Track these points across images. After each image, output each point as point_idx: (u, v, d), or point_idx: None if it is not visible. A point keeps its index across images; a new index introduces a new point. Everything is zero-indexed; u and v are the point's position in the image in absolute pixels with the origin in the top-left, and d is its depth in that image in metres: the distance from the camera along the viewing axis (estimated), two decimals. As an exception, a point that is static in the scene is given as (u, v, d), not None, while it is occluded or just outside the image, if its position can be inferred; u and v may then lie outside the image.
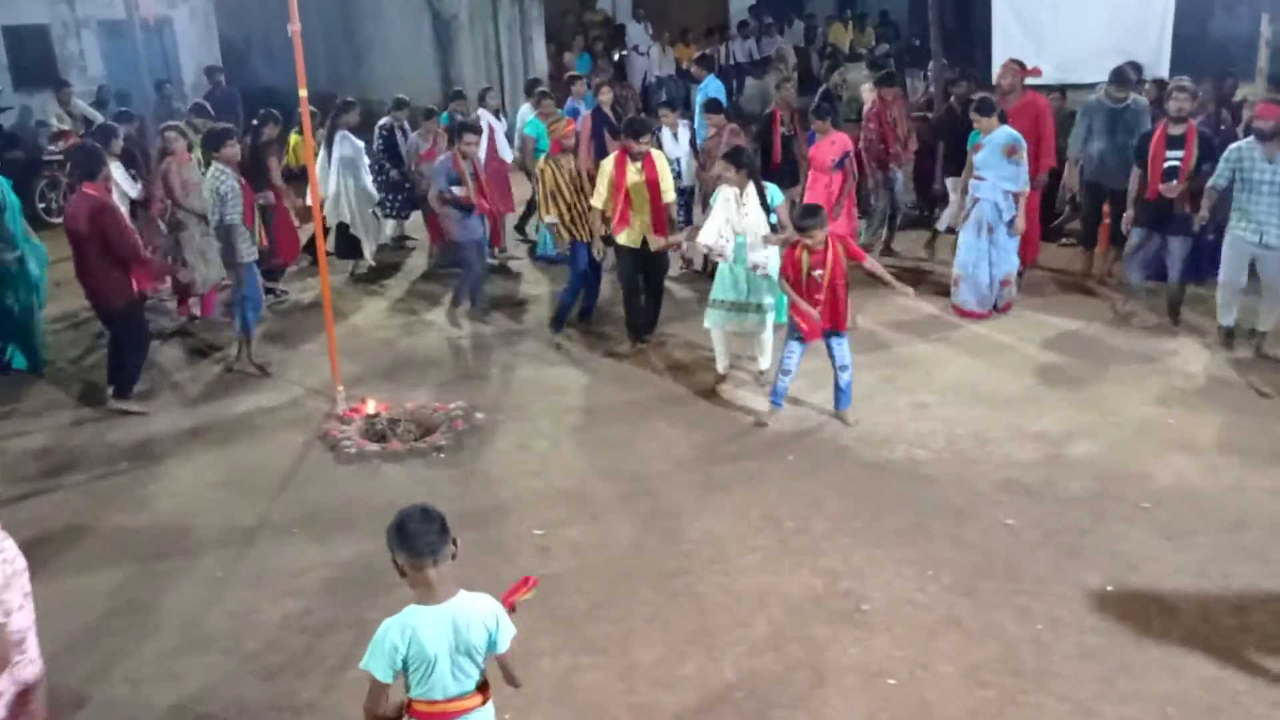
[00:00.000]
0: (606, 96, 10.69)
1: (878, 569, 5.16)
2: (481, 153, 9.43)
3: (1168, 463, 6.07)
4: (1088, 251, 9.41)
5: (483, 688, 3.20)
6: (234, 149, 7.77)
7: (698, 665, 4.52)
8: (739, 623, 4.79)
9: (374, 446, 6.61)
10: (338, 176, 10.04)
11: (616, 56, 18.37)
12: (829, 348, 6.68)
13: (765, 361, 7.40)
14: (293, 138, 10.37)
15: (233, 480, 6.33)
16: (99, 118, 11.73)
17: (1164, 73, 10.31)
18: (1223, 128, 9.06)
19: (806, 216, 6.48)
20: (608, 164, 7.89)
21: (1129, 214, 8.12)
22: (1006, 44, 10.75)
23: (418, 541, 2.98)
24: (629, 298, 8.15)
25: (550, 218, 8.34)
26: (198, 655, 4.67)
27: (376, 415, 6.92)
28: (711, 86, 11.39)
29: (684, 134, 10.20)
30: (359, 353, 8.28)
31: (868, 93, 10.78)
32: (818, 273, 6.42)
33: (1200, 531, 5.36)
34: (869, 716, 4.19)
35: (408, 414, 6.97)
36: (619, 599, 5.02)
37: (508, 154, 10.98)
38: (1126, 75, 8.76)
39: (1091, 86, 9.41)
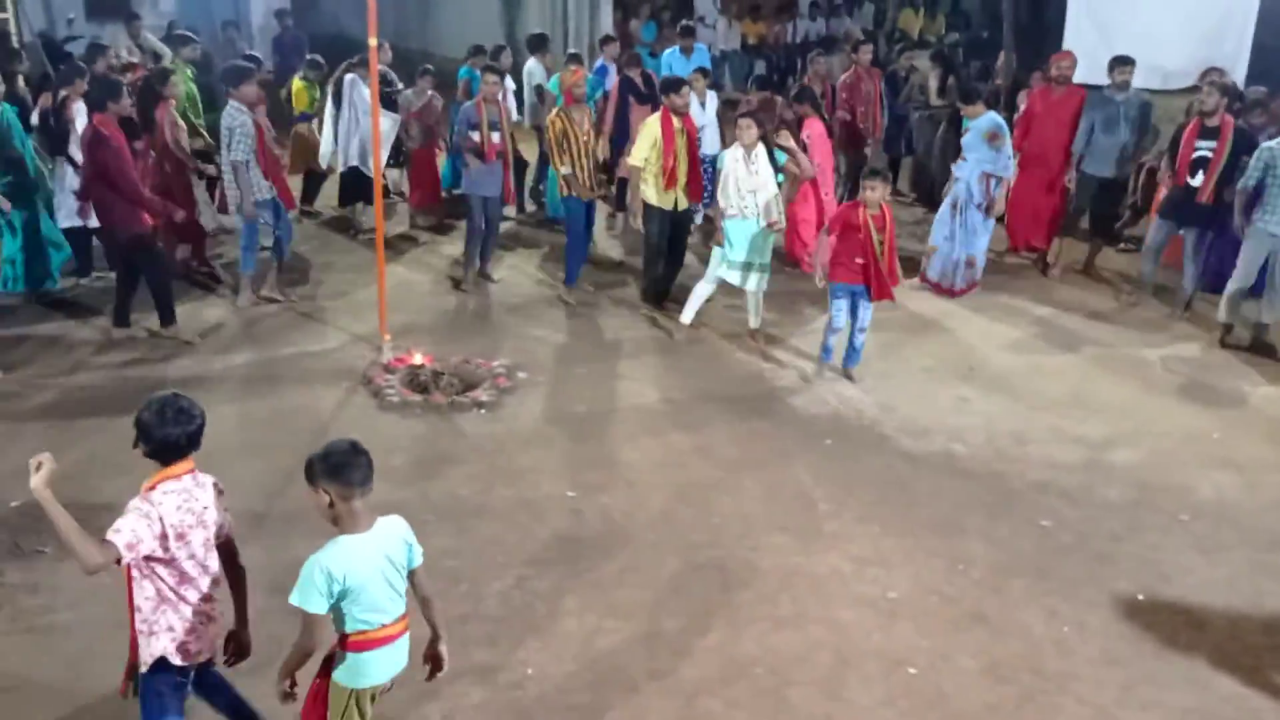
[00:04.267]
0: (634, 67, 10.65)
1: (907, 558, 5.17)
2: None
3: (1208, 476, 6.00)
4: (1093, 243, 9.39)
5: (402, 616, 3.30)
6: (252, 88, 7.78)
7: (719, 638, 4.56)
8: (763, 599, 4.83)
9: (416, 397, 6.68)
10: (348, 123, 9.85)
11: (681, 26, 18.24)
12: (855, 306, 6.92)
13: (755, 320, 7.57)
14: (295, 83, 10.49)
15: (276, 421, 6.42)
16: (167, 52, 11.84)
17: (1240, 81, 10.08)
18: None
19: (873, 172, 6.79)
20: (653, 122, 7.91)
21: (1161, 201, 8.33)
22: (1078, 41, 10.55)
23: (353, 473, 3.07)
24: (651, 261, 8.25)
25: (565, 168, 8.23)
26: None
27: (421, 367, 7.00)
28: (698, 58, 11.22)
29: (712, 103, 10.03)
30: (407, 304, 8.34)
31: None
32: (877, 237, 6.64)
33: (1235, 547, 5.31)
34: (886, 702, 4.21)
35: (452, 368, 7.04)
36: (646, 566, 5.07)
37: (515, 114, 10.66)
38: (1122, 61, 8.82)
39: (1168, 93, 9.29)
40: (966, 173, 8.55)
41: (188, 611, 3.25)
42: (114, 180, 6.97)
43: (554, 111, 8.48)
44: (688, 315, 7.73)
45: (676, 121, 7.83)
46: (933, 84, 11.02)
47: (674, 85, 7.96)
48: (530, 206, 11.07)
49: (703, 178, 8.10)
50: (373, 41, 6.77)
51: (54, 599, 4.62)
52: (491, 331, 7.96)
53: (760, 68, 10.28)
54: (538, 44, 11.09)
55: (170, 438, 3.15)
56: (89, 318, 7.89)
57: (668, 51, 11.85)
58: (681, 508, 5.59)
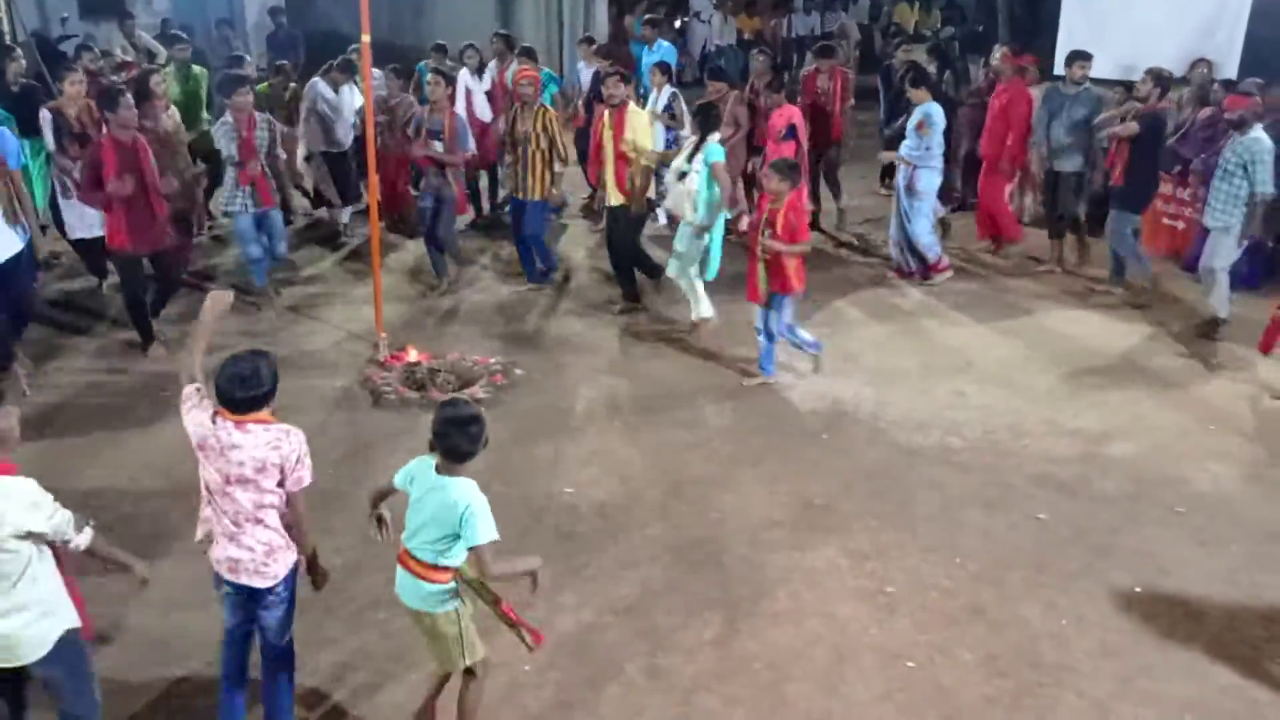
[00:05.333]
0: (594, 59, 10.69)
1: (904, 553, 5.16)
2: (461, 111, 9.38)
3: (1205, 468, 6.00)
4: (1054, 240, 9.39)
5: None
6: (246, 97, 7.76)
7: (717, 633, 4.56)
8: (761, 594, 4.82)
9: (413, 394, 6.67)
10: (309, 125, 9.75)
11: (679, 23, 18.25)
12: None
13: (693, 312, 7.64)
14: (261, 87, 10.15)
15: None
16: (162, 51, 11.82)
17: (1233, 73, 10.09)
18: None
19: (778, 168, 6.65)
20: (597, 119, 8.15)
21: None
22: (1071, 35, 10.59)
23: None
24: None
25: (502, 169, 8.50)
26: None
27: (417, 364, 6.99)
28: (660, 50, 11.06)
29: (664, 96, 9.62)
30: (401, 301, 8.35)
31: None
32: (765, 233, 6.54)
33: (1233, 540, 5.31)
34: (885, 697, 4.21)
35: (448, 365, 7.04)
36: (643, 562, 5.06)
37: (486, 114, 10.30)
38: (1081, 56, 8.86)
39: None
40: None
41: None
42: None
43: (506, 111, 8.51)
44: (705, 309, 7.64)
45: (607, 116, 7.85)
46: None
47: (600, 80, 8.20)
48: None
49: (625, 172, 7.82)
50: (365, 38, 6.75)
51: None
52: (485, 329, 7.95)
53: (763, 62, 10.08)
54: (504, 45, 10.82)
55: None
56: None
57: (632, 44, 11.84)
58: (678, 504, 5.59)
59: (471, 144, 8.89)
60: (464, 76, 10.26)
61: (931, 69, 11.06)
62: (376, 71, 9.57)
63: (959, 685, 4.27)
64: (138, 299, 7.23)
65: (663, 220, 9.81)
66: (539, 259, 8.70)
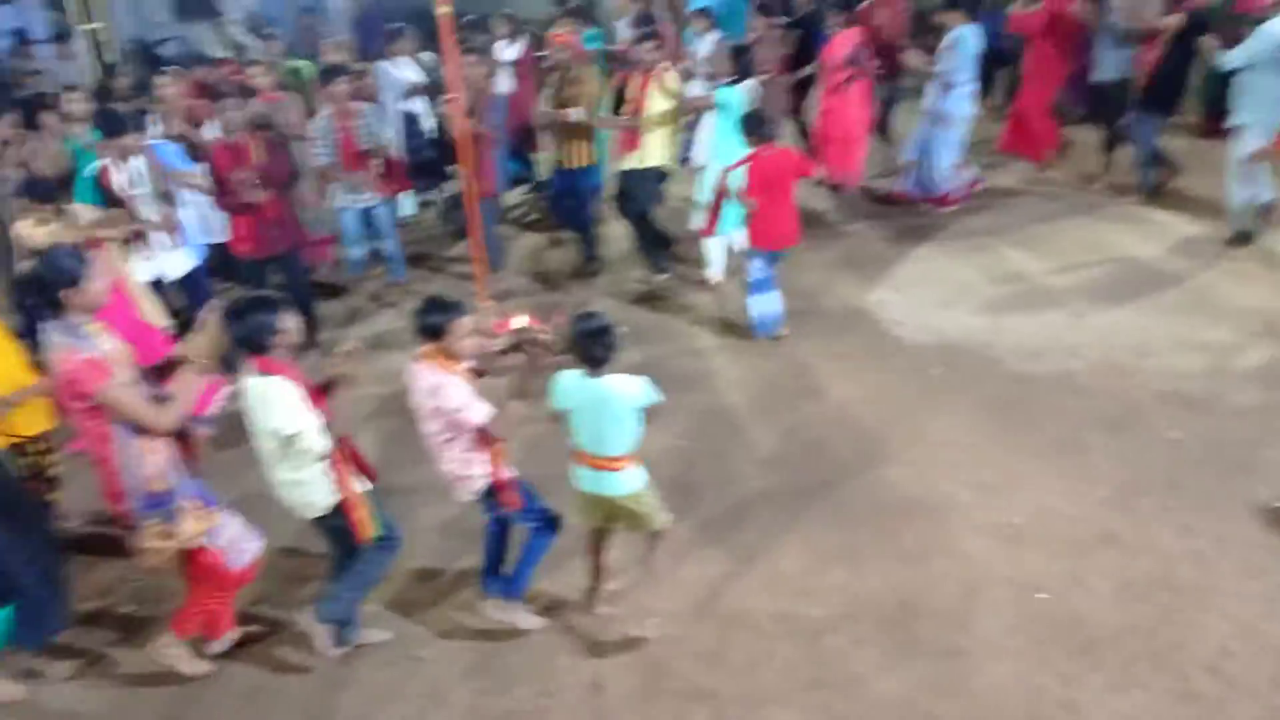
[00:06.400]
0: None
1: (1029, 483, 5.04)
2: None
3: (1349, 374, 5.70)
4: (1106, 154, 8.98)
5: None
6: (342, 87, 7.57)
7: (842, 576, 4.54)
8: (884, 534, 4.77)
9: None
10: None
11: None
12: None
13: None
14: (304, 66, 9.96)
15: (385, 391, 6.55)
16: (252, 45, 12.09)
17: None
18: None
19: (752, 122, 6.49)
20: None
21: None
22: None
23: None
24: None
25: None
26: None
27: (525, 329, 7.03)
28: None
29: (709, 44, 9.12)
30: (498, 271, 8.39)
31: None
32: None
33: (1384, 446, 5.04)
34: (1018, 629, 4.14)
35: (554, 327, 7.06)
36: (762, 508, 5.06)
37: (505, 85, 9.49)
38: None
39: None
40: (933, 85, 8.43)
41: None
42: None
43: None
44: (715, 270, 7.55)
45: (634, 79, 7.49)
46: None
47: (638, 40, 7.73)
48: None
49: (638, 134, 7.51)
50: (445, 9, 6.74)
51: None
52: (585, 289, 7.98)
53: None
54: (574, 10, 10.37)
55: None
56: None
57: None
58: (792, 448, 5.56)
59: (497, 120, 8.28)
60: (499, 48, 9.81)
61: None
62: (427, 55, 9.43)
63: (1095, 614, 4.18)
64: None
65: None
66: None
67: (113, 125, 6.59)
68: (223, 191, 6.89)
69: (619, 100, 7.60)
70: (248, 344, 3.76)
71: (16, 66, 12.01)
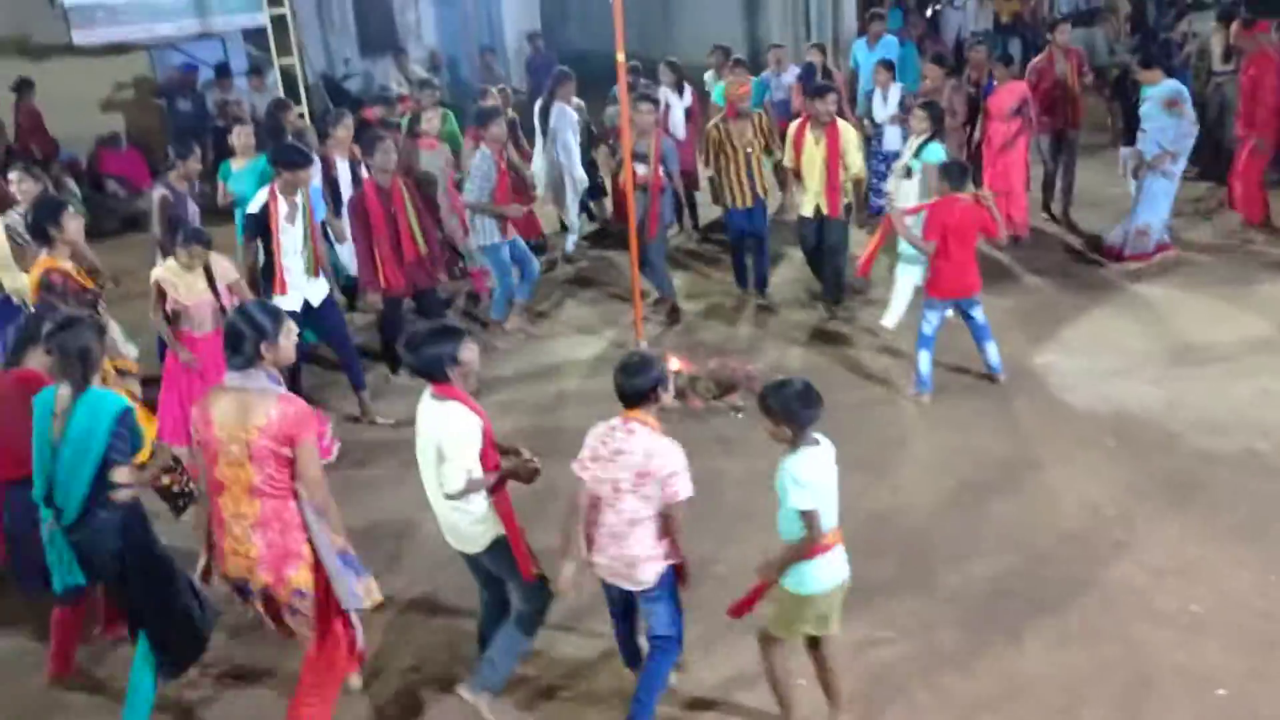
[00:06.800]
0: (817, 58, 10.44)
1: (1209, 568, 4.72)
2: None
3: None
4: None
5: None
6: (500, 129, 7.72)
7: (1001, 653, 4.33)
8: (1048, 613, 4.54)
9: (674, 402, 6.72)
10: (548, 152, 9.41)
11: (930, 12, 17.63)
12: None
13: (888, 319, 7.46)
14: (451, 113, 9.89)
15: (538, 427, 6.64)
16: (431, 80, 12.58)
17: None
18: None
19: (945, 166, 6.49)
20: (791, 130, 7.88)
21: None
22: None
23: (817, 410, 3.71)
24: (809, 263, 8.26)
25: (709, 171, 8.44)
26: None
27: (677, 373, 7.05)
28: (884, 47, 10.57)
29: (895, 95, 9.55)
30: (654, 314, 8.41)
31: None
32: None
33: None
34: (1194, 727, 3.86)
35: (708, 372, 7.06)
36: (917, 575, 4.88)
37: (681, 131, 9.91)
38: None
39: None
40: (1146, 144, 8.12)
41: None
42: (357, 243, 7.13)
43: (711, 123, 8.31)
44: (893, 316, 7.41)
45: (812, 134, 7.62)
46: (1216, 48, 10.06)
47: (819, 91, 7.77)
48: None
49: (840, 187, 7.69)
50: (620, 56, 6.86)
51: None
52: (739, 334, 7.93)
53: (980, 52, 9.65)
54: (724, 57, 10.41)
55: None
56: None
57: (856, 41, 11.49)
58: (952, 512, 5.36)
59: (676, 164, 8.57)
60: (664, 93, 9.90)
61: (1220, 38, 10.08)
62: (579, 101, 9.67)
63: (1277, 715, 3.85)
64: (390, 339, 7.31)
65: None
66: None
67: (294, 159, 6.60)
68: (367, 230, 6.99)
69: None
70: (428, 371, 3.82)
71: (218, 99, 12.85)
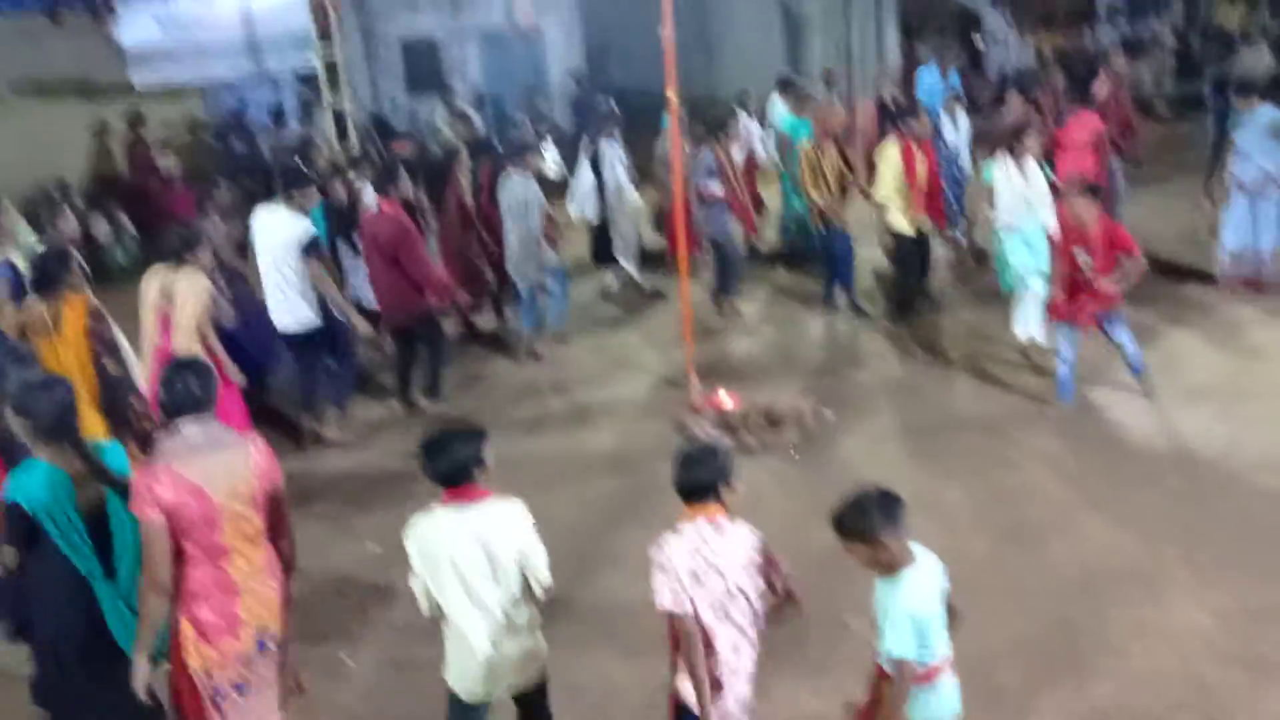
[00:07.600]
0: (889, 91, 11.13)
1: (1277, 613, 4.61)
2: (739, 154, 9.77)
3: None
4: None
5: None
6: (539, 160, 8.11)
7: (1066, 695, 4.26)
8: (1113, 654, 4.45)
9: (727, 441, 6.70)
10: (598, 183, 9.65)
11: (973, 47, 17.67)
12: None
13: (1023, 332, 7.54)
14: None
15: (590, 465, 6.64)
16: (478, 119, 12.75)
17: None
18: None
19: (1081, 191, 6.48)
20: (894, 154, 8.22)
21: None
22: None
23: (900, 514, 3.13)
24: (900, 283, 8.69)
25: (819, 197, 8.67)
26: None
27: (731, 412, 7.03)
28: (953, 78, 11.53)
29: (964, 121, 9.99)
30: (703, 343, 8.39)
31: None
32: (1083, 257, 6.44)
33: None
34: (1270, 775, 3.77)
35: (759, 409, 7.03)
36: (975, 615, 4.76)
37: (762, 154, 10.74)
38: None
39: None
40: (1250, 171, 8.10)
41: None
42: (404, 263, 7.17)
43: (809, 145, 8.79)
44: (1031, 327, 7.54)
45: (915, 148, 8.22)
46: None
47: (912, 112, 8.56)
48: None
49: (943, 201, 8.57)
50: (671, 94, 6.92)
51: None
52: (793, 369, 7.93)
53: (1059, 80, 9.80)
54: (786, 87, 11.17)
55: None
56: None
57: (923, 67, 12.17)
58: (1010, 552, 5.29)
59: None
60: (744, 119, 10.46)
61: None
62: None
63: (1359, 766, 3.76)
64: (402, 367, 7.72)
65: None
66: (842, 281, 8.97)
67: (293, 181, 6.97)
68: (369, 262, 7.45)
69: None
70: (452, 476, 3.47)
71: (273, 143, 13.12)
